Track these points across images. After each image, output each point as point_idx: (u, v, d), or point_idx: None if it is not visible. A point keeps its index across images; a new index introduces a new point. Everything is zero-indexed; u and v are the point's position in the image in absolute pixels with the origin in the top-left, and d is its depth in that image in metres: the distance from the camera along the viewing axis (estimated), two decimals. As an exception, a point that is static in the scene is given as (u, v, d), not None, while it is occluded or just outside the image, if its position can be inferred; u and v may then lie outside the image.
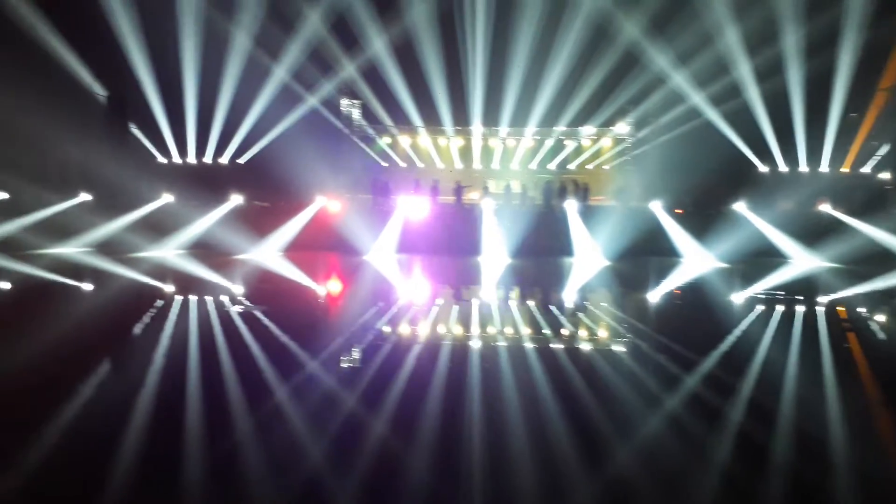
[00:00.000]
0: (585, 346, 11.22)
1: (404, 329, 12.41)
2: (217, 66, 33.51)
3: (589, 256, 25.38)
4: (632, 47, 31.33)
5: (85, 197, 27.90)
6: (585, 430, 6.75)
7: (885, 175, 30.30)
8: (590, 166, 38.65)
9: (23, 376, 8.37)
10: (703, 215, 26.87)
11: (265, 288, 18.62)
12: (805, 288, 19.06)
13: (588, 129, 37.88)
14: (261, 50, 33.44)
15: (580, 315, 14.56)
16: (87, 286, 18.52)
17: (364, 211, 28.27)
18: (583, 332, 12.61)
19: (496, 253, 25.66)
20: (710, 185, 27.56)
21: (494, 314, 14.15)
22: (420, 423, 6.82)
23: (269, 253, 25.95)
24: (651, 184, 29.67)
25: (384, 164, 39.44)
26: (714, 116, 31.15)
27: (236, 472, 5.64)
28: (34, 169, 29.32)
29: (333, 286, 19.88)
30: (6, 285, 18.23)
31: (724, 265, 23.63)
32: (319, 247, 26.11)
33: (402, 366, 9.18)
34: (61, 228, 26.18)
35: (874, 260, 23.33)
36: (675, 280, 20.09)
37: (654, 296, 17.30)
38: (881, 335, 12.78)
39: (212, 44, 32.93)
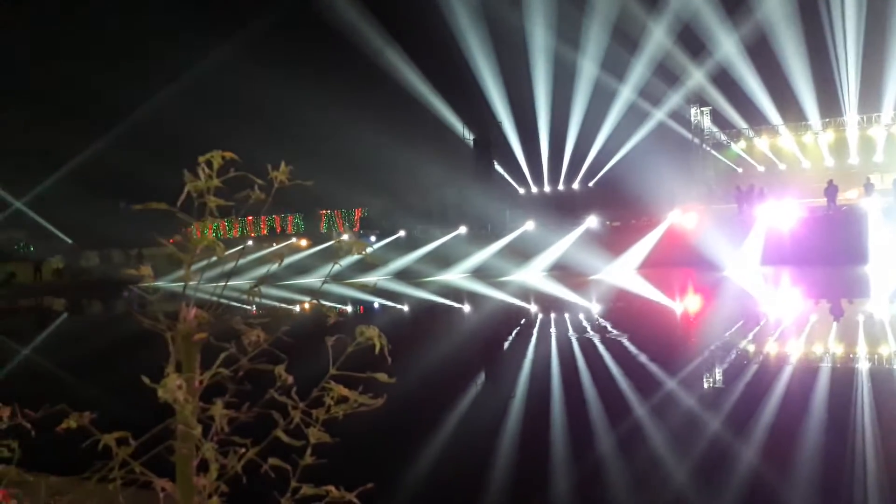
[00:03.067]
0: None
1: (772, 349, 11.54)
2: (566, 96, 35.59)
3: None
4: None
5: (461, 230, 31.99)
6: None
7: None
8: None
9: (419, 380, 10.12)
10: None
11: (620, 307, 19.01)
12: None
13: None
14: (606, 73, 34.44)
15: None
16: (467, 307, 21.32)
17: (722, 222, 26.72)
18: None
19: (888, 260, 21.91)
20: None
21: (886, 332, 12.23)
22: (794, 456, 6.33)
23: (624, 271, 26.30)
24: None
25: (738, 169, 36.84)
26: None
27: (598, 485, 6.05)
28: (423, 209, 34.92)
29: (691, 304, 19.32)
30: (406, 307, 22.02)
31: None
32: (674, 263, 25.47)
33: (772, 390, 8.58)
34: (444, 258, 30.50)
35: None
36: None
37: None
38: None
39: (560, 77, 35.13)
